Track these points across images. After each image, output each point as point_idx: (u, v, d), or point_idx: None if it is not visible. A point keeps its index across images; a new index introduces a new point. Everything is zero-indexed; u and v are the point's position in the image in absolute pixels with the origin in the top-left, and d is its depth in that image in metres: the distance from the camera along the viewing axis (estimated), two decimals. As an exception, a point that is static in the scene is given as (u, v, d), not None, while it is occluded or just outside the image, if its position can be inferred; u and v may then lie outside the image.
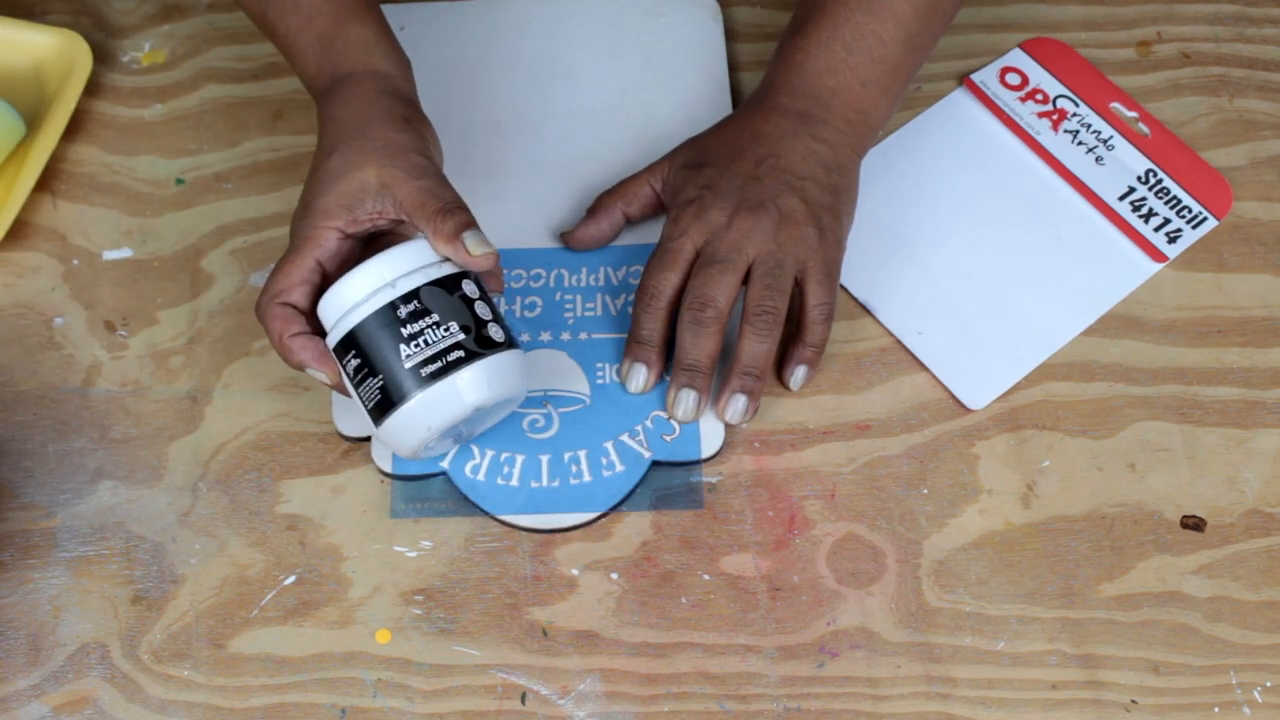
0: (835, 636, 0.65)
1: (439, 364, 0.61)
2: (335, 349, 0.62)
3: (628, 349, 0.69)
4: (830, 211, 0.69)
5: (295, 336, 0.63)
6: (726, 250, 0.67)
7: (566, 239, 0.73)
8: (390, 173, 0.63)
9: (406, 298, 0.61)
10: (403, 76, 0.68)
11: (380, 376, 0.61)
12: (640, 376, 0.69)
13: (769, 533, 0.67)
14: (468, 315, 0.62)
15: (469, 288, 0.62)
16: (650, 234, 0.73)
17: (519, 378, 0.63)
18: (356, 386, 0.62)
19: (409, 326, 0.61)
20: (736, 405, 0.68)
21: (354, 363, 0.62)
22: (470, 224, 0.62)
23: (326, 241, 0.63)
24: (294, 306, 0.63)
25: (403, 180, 0.63)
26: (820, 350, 0.69)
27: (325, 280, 0.64)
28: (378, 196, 0.63)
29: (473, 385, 0.61)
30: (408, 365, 0.61)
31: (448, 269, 0.62)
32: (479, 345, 0.61)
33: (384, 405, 0.61)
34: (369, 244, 0.66)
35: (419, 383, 0.61)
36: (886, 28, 0.70)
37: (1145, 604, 0.65)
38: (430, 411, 0.61)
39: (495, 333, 0.62)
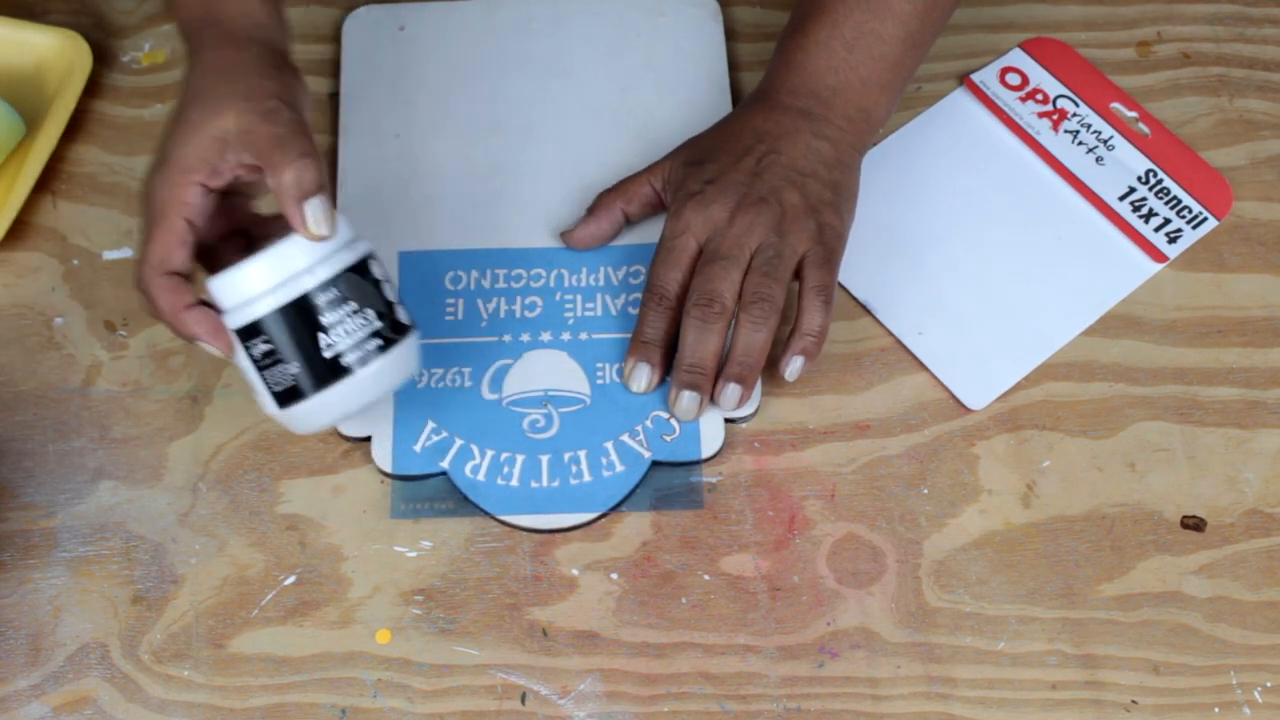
0: (835, 636, 0.65)
1: (359, 353, 0.60)
2: (238, 331, 0.60)
3: (632, 348, 0.69)
4: (831, 207, 0.69)
5: (189, 309, 0.60)
6: (729, 246, 0.67)
7: (566, 238, 0.73)
8: (249, 118, 0.60)
9: (324, 286, 0.60)
10: (277, 28, 0.65)
11: (294, 363, 0.60)
12: (644, 377, 0.69)
13: (769, 533, 0.67)
14: (380, 300, 0.61)
15: (376, 269, 0.62)
16: (651, 233, 0.73)
17: (419, 358, 0.63)
18: (261, 369, 0.61)
19: (328, 315, 0.60)
20: (729, 393, 0.67)
21: (263, 347, 0.60)
22: (316, 189, 0.59)
23: (192, 198, 0.60)
24: (180, 274, 0.61)
25: (259, 126, 0.60)
26: (819, 340, 0.68)
27: (198, 238, 0.62)
28: (238, 146, 0.60)
29: (389, 372, 0.61)
30: (327, 355, 0.60)
31: (360, 251, 0.61)
32: (393, 331, 0.61)
33: (297, 392, 0.60)
34: (227, 195, 0.63)
35: (337, 372, 0.60)
36: (886, 26, 0.70)
37: (1145, 604, 0.65)
38: (346, 400, 0.61)
39: (402, 315, 0.62)
